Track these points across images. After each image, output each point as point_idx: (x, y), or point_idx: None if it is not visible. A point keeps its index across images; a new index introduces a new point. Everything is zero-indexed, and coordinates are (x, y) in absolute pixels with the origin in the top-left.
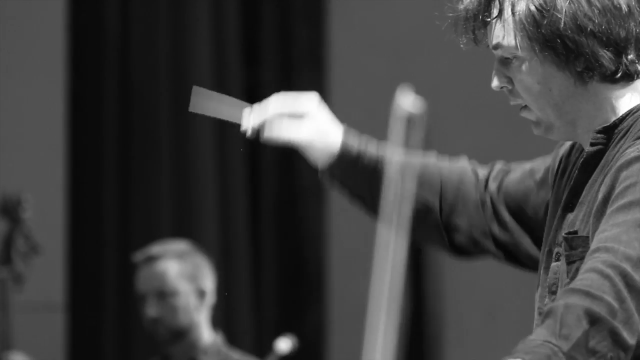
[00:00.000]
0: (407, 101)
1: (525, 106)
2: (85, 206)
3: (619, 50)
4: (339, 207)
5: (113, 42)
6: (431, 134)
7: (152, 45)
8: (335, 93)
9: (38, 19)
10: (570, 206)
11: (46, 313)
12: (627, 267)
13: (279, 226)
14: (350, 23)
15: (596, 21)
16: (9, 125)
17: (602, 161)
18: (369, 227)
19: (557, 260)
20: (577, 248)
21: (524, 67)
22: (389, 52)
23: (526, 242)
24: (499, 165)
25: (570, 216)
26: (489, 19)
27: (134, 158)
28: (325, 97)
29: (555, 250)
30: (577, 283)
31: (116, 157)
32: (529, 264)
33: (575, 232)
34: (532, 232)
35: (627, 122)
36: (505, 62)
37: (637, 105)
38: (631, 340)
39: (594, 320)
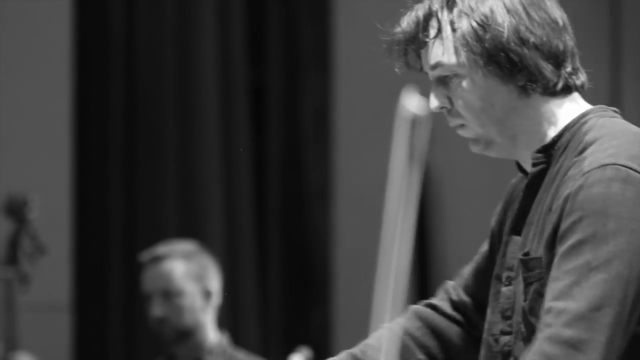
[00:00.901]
0: (412, 102)
1: (463, 125)
2: (91, 206)
3: (558, 62)
4: (345, 207)
5: (118, 42)
6: (436, 135)
7: (158, 45)
8: (341, 93)
9: (43, 20)
10: (517, 229)
11: (52, 313)
12: (564, 333)
13: (285, 226)
14: (355, 22)
15: (537, 34)
16: (14, 126)
17: (545, 179)
18: (374, 228)
19: (508, 284)
20: (533, 269)
21: (465, 84)
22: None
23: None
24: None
25: (518, 239)
26: (427, 39)
27: (140, 158)
28: (331, 97)
29: (505, 274)
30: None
31: (122, 158)
32: None
33: (528, 254)
34: None
35: (565, 137)
36: (444, 81)
37: (573, 119)
38: None
39: None
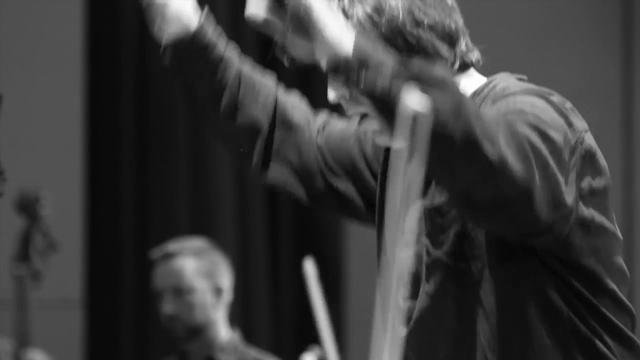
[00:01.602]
0: (413, 99)
1: (366, 114)
2: (103, 203)
3: (452, 41)
4: None
5: (130, 39)
6: None
7: None
8: None
9: (55, 17)
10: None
11: (64, 310)
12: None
13: (297, 223)
14: None
15: (430, 14)
16: (26, 123)
17: None
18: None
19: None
20: (446, 214)
21: None
22: None
23: (351, 190)
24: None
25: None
26: None
27: (152, 155)
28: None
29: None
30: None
31: (134, 154)
32: (363, 217)
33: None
34: (358, 189)
35: (475, 101)
36: None
37: (480, 86)
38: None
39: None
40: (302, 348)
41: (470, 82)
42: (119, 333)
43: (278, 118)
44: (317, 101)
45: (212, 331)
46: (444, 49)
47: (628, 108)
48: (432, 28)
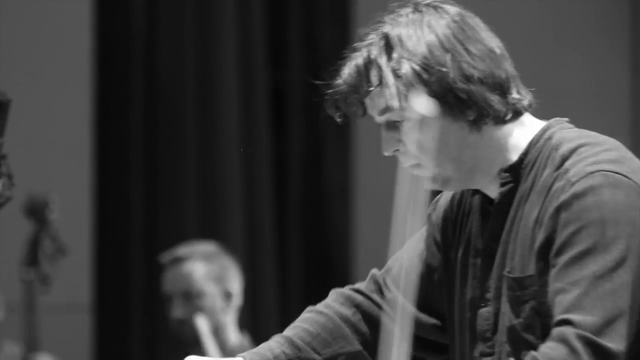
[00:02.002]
0: (420, 103)
1: (418, 164)
2: (111, 207)
3: (503, 91)
4: (365, 207)
5: (139, 44)
6: None
7: (178, 46)
8: None
9: (64, 21)
10: (489, 251)
11: (72, 314)
12: (594, 337)
13: (305, 227)
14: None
15: (479, 68)
16: (35, 127)
17: (517, 198)
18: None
19: (485, 306)
20: (527, 288)
21: (416, 127)
22: None
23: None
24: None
25: (494, 260)
26: (371, 88)
27: (160, 159)
28: None
29: (487, 296)
30: (546, 353)
31: (142, 159)
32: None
33: (517, 273)
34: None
35: (532, 154)
36: (393, 125)
37: (536, 136)
38: None
39: None
40: None
41: (524, 131)
42: (127, 337)
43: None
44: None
45: (222, 335)
46: (495, 100)
47: (637, 111)
48: (482, 81)
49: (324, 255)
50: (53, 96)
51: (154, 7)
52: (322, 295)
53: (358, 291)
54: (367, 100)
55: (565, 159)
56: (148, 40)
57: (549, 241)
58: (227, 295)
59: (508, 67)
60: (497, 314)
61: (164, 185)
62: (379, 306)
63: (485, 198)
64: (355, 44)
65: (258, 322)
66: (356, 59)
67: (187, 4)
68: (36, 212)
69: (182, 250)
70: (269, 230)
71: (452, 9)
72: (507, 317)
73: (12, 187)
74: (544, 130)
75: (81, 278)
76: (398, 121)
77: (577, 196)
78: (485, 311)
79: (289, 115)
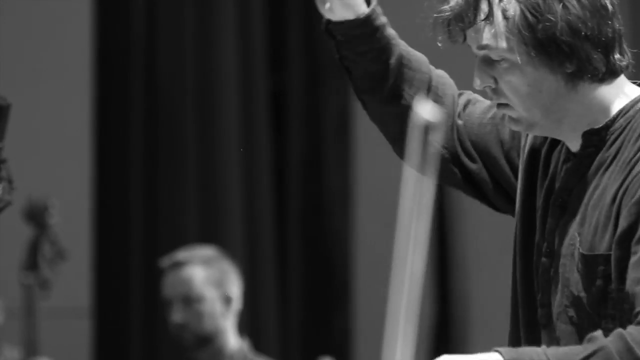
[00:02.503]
0: (424, 109)
1: (506, 104)
2: (111, 212)
3: (607, 50)
4: (365, 212)
5: (139, 48)
6: None
7: (179, 50)
8: None
9: (64, 24)
10: (560, 202)
11: (72, 319)
12: None
13: (305, 232)
14: None
15: (589, 24)
16: (35, 131)
17: (596, 163)
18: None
19: (547, 257)
20: (597, 266)
21: (513, 69)
22: None
23: (484, 175)
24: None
25: (564, 213)
26: (477, 21)
27: (160, 163)
28: (351, 102)
29: (544, 245)
30: (632, 333)
31: (142, 163)
32: (492, 201)
33: (591, 249)
34: (492, 175)
35: (620, 122)
36: (490, 61)
37: (627, 104)
38: None
39: None
40: (311, 357)
41: (618, 95)
42: (127, 342)
43: (431, 98)
44: (328, 106)
45: (222, 340)
46: (597, 58)
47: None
48: (587, 37)
49: (324, 259)
50: (53, 100)
51: (154, 11)
52: (322, 299)
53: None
54: (469, 32)
55: (634, 116)
56: (148, 44)
57: (632, 229)
58: (227, 300)
59: (616, 25)
60: (555, 269)
61: (163, 190)
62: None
63: (565, 146)
64: None
65: (258, 327)
66: None
67: (187, 8)
68: (36, 216)
69: (181, 254)
70: (269, 234)
71: None
72: (574, 286)
73: (11, 192)
74: (636, 101)
75: (81, 282)
76: (496, 59)
77: None
78: (546, 261)
79: (289, 119)
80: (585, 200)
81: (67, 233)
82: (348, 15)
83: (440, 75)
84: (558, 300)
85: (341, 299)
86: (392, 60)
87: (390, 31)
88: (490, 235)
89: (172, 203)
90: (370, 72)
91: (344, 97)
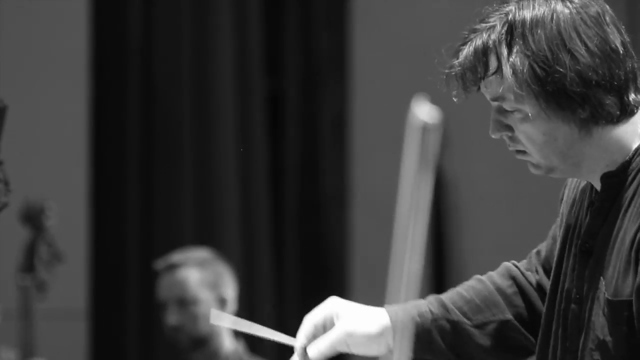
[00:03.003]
0: (422, 110)
1: (524, 151)
2: (107, 214)
3: (620, 92)
4: (361, 214)
5: (136, 51)
6: (452, 141)
7: (175, 53)
8: (357, 100)
9: (61, 28)
10: (587, 247)
11: (69, 321)
12: None
13: (302, 233)
14: (372, 31)
15: (599, 71)
16: (31, 133)
17: (617, 204)
18: (391, 234)
19: (577, 303)
20: (621, 312)
21: (527, 119)
22: (411, 60)
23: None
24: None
25: (590, 258)
26: (487, 75)
27: (157, 165)
28: (348, 104)
29: (574, 292)
30: None
31: (139, 165)
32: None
33: (615, 294)
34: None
35: (636, 161)
36: (504, 111)
37: None
38: None
39: None
40: None
41: (633, 131)
42: (123, 344)
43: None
44: (325, 108)
45: (217, 342)
46: (610, 103)
47: None
48: (599, 84)
49: (320, 261)
50: (50, 103)
51: (151, 14)
52: (319, 301)
53: (517, 266)
54: (481, 84)
55: None
56: (145, 47)
57: None
58: (222, 302)
59: (629, 66)
60: (585, 315)
61: (160, 192)
62: (532, 284)
63: (593, 189)
64: (477, 25)
65: None
66: (476, 42)
67: (183, 11)
68: (32, 218)
69: (176, 256)
70: (265, 236)
71: None
72: (600, 330)
73: (8, 194)
74: None
75: (77, 284)
76: (509, 110)
77: None
78: (576, 308)
79: (286, 121)
80: (610, 244)
81: (63, 235)
82: (379, 350)
83: (510, 285)
84: (582, 344)
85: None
86: (480, 341)
87: (440, 322)
88: (487, 234)
89: (168, 205)
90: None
91: (341, 100)
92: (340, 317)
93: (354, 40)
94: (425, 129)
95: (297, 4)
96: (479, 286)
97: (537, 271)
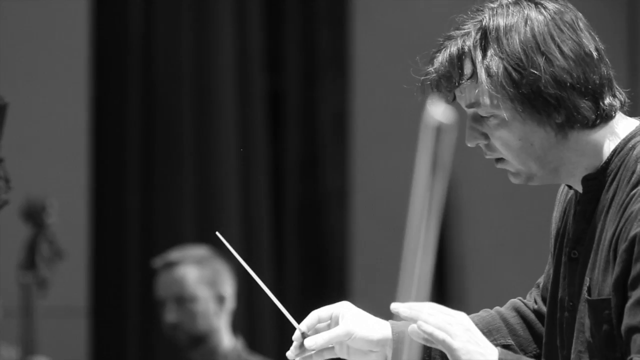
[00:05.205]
0: (437, 110)
1: (502, 159)
2: (108, 212)
3: (596, 97)
4: (363, 212)
5: (136, 48)
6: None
7: (176, 51)
8: (358, 97)
9: (62, 26)
10: (574, 254)
11: (69, 318)
12: None
13: (303, 231)
14: (373, 29)
15: (574, 74)
16: (32, 131)
17: (599, 206)
18: (392, 232)
19: (570, 310)
20: (602, 311)
21: (503, 125)
22: (412, 58)
23: None
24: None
25: (578, 265)
26: (462, 81)
27: (157, 163)
28: (349, 101)
29: (567, 299)
30: None
31: (139, 163)
32: None
33: (596, 294)
34: None
35: (615, 163)
36: (479, 118)
37: (620, 143)
38: None
39: None
40: None
41: (611, 136)
42: (124, 341)
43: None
44: (325, 106)
45: (215, 339)
46: (585, 107)
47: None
48: (573, 87)
49: (321, 259)
50: (50, 100)
51: (152, 12)
52: (319, 299)
53: (521, 300)
54: (457, 91)
55: (627, 156)
56: (145, 44)
57: (624, 275)
58: (220, 299)
59: (604, 71)
60: (576, 320)
61: (160, 190)
62: (533, 312)
63: (577, 194)
64: (451, 32)
65: (252, 326)
66: (450, 49)
67: (184, 8)
68: (34, 215)
69: (174, 254)
70: (266, 234)
71: (552, 5)
72: (587, 332)
73: (9, 191)
74: (628, 139)
75: (78, 282)
76: (485, 116)
77: None
78: (569, 316)
79: (286, 119)
80: (594, 246)
81: (64, 232)
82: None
83: (513, 315)
84: (574, 347)
85: (338, 298)
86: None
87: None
88: (488, 234)
89: (169, 203)
90: None
91: (341, 97)
92: (344, 318)
93: (354, 38)
94: (440, 129)
95: (298, 2)
96: (483, 314)
97: (535, 302)
